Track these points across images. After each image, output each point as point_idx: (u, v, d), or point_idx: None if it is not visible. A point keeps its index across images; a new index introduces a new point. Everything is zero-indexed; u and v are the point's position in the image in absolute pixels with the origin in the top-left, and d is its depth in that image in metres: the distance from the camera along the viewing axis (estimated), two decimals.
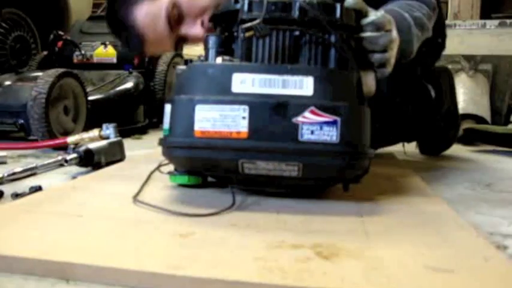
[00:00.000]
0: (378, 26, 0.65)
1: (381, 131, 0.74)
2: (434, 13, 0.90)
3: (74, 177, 0.90)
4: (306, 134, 0.56)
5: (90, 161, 0.95)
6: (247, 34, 0.60)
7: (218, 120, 0.57)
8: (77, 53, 2.01)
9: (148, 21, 0.84)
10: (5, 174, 0.84)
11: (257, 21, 0.60)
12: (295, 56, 0.61)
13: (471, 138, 1.61)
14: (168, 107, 0.64)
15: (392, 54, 0.67)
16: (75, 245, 0.45)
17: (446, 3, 2.69)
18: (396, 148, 1.24)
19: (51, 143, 1.23)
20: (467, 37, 1.94)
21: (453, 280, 0.38)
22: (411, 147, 1.37)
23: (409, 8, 0.80)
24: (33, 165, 0.92)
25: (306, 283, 0.37)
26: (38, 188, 0.75)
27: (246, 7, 0.62)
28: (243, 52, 0.61)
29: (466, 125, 1.67)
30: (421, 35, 0.80)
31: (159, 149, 0.65)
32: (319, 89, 0.56)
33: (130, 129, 1.78)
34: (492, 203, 0.75)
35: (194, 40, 0.86)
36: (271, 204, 0.62)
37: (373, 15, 0.65)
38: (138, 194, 0.66)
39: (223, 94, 0.58)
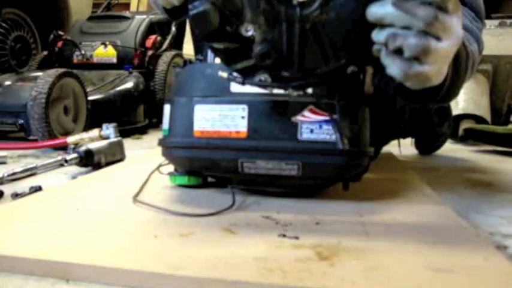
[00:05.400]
0: None
1: (378, 129, 0.69)
2: (481, 53, 0.68)
3: (74, 177, 0.90)
4: (306, 133, 0.56)
5: (90, 161, 0.95)
6: None
7: (217, 120, 0.57)
8: (77, 53, 2.01)
9: None
10: (5, 174, 0.84)
11: None
12: None
13: (471, 138, 1.61)
14: (167, 108, 0.64)
15: (442, 47, 0.43)
16: (75, 245, 0.45)
17: None
18: (394, 149, 1.24)
19: (51, 143, 1.23)
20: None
21: (453, 280, 0.38)
22: (409, 148, 1.37)
23: (467, 36, 0.61)
24: (33, 165, 0.92)
25: (306, 283, 0.37)
26: (38, 188, 0.75)
27: None
28: None
29: (466, 125, 1.67)
30: (464, 75, 0.60)
31: (159, 149, 0.65)
32: (318, 88, 0.56)
33: (130, 129, 1.78)
34: (492, 203, 0.75)
35: None
36: (271, 204, 0.62)
37: None
38: (138, 194, 0.66)
39: (222, 94, 0.58)
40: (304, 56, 0.47)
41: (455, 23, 0.43)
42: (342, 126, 0.53)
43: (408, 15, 0.40)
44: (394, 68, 0.43)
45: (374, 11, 0.42)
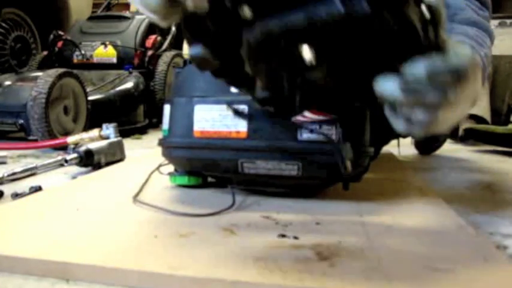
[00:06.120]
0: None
1: (378, 129, 0.67)
2: (492, 43, 0.64)
3: (74, 177, 0.90)
4: (305, 133, 0.56)
5: (90, 161, 0.95)
6: None
7: (217, 120, 0.57)
8: (77, 53, 2.01)
9: None
10: (5, 174, 0.84)
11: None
12: None
13: (471, 138, 1.61)
14: (167, 108, 0.64)
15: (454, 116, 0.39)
16: (75, 245, 0.45)
17: None
18: (394, 149, 1.24)
19: (51, 143, 1.23)
20: None
21: (453, 280, 0.38)
22: (409, 148, 1.37)
23: (479, 41, 0.58)
24: (33, 165, 0.92)
25: (306, 283, 0.37)
26: (38, 188, 0.75)
27: None
28: None
29: (466, 125, 1.68)
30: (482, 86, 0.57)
31: (159, 149, 0.65)
32: None
33: (130, 129, 1.78)
34: (492, 203, 0.75)
35: None
36: (271, 204, 0.62)
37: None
38: (138, 194, 0.66)
39: (222, 94, 0.58)
40: (306, 101, 0.45)
41: (473, 88, 0.37)
42: (344, 149, 0.52)
43: (418, 99, 0.36)
44: (398, 125, 0.40)
45: (382, 89, 0.37)
